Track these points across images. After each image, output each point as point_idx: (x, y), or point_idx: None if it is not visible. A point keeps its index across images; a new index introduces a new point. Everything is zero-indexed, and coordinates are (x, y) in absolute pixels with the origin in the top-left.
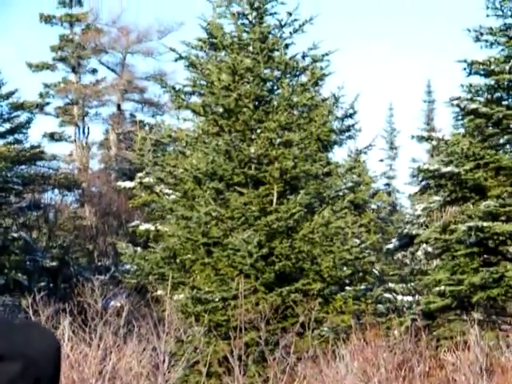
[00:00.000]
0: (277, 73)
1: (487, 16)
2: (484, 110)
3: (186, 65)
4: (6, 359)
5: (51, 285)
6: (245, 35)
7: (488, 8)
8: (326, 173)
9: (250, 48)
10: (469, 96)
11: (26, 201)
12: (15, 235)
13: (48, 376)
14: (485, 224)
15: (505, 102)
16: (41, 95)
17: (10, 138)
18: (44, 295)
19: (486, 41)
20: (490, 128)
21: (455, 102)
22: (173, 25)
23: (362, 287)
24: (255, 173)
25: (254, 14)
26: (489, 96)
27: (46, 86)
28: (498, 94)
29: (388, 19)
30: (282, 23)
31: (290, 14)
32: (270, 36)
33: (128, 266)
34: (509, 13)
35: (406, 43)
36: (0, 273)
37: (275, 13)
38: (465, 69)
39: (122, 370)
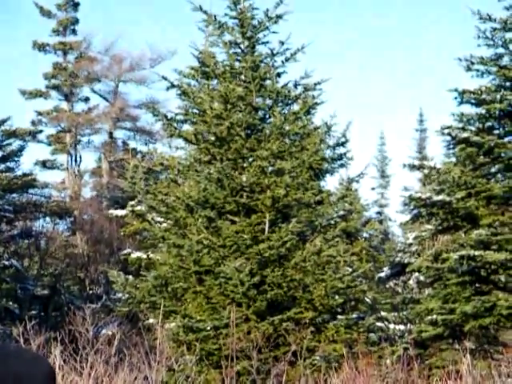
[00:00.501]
0: (269, 101)
1: (478, 45)
2: (475, 139)
3: (179, 93)
4: (6, 381)
5: (42, 313)
6: (237, 64)
7: (479, 37)
8: (318, 201)
9: (242, 77)
10: (460, 125)
11: (17, 229)
12: (6, 263)
13: None
14: (476, 253)
15: (496, 131)
16: (33, 123)
17: (2, 166)
18: (35, 324)
19: (478, 70)
20: (482, 157)
21: (446, 131)
22: (165, 53)
23: (354, 316)
24: (247, 201)
25: (246, 42)
26: (480, 125)
27: (39, 113)
28: (489, 123)
29: (380, 48)
30: (274, 52)
31: (282, 43)
32: (262, 65)
33: (119, 295)
34: (499, 42)
35: (398, 72)
36: None
37: (267, 42)
38: (456, 98)
39: None
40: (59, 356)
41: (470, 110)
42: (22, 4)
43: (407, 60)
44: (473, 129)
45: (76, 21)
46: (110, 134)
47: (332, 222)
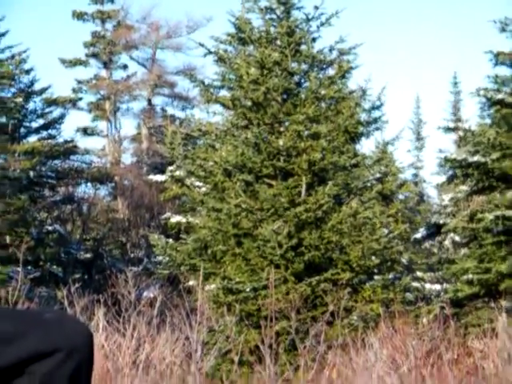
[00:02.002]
0: (304, 66)
1: None
2: (510, 100)
3: (215, 59)
4: (50, 352)
5: (85, 276)
6: (272, 29)
7: None
8: (354, 164)
9: (278, 42)
10: (495, 87)
11: (59, 194)
12: (50, 228)
13: (85, 365)
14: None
15: None
16: (74, 91)
17: (44, 134)
18: (78, 287)
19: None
20: None
21: (482, 93)
22: (202, 20)
23: (391, 276)
24: (284, 165)
25: (282, 8)
26: None
27: (79, 81)
28: None
29: (413, 10)
30: (309, 17)
31: (317, 8)
32: (298, 30)
33: (160, 258)
34: None
35: (433, 35)
36: (36, 265)
37: (302, 7)
38: (491, 59)
39: (156, 359)
40: (103, 318)
41: (504, 71)
42: None
43: (442, 22)
44: (508, 90)
45: None
46: (149, 101)
47: (368, 184)
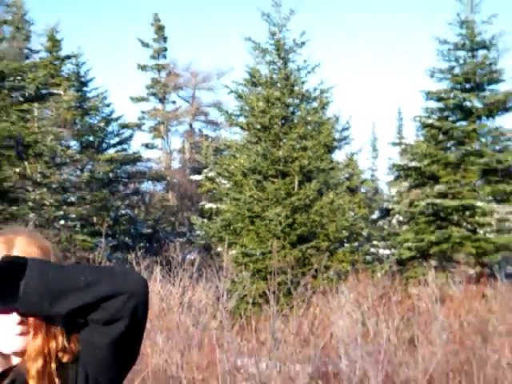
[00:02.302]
0: (296, 101)
1: (438, 60)
2: (436, 123)
3: (236, 96)
4: (117, 294)
5: (147, 245)
6: (274, 76)
7: (439, 54)
8: (330, 168)
9: (278, 84)
10: (426, 114)
11: (129, 189)
12: (123, 212)
13: (142, 304)
14: (438, 201)
15: (451, 119)
16: (139, 118)
17: (119, 147)
18: (142, 252)
19: (438, 77)
20: (441, 136)
21: (417, 119)
22: (226, 69)
23: (355, 244)
24: (282, 168)
25: (281, 61)
26: (440, 114)
27: (142, 112)
28: (445, 113)
29: (375, 54)
30: (300, 67)
31: (305, 61)
32: (292, 76)
33: (198, 232)
34: (452, 58)
35: (387, 79)
36: (113, 237)
37: (295, 60)
38: (424, 96)
39: (195, 301)
40: (159, 273)
41: (433, 104)
42: (128, 39)
43: (391, 67)
44: (435, 117)
45: (165, 49)
46: (190, 125)
47: (340, 181)
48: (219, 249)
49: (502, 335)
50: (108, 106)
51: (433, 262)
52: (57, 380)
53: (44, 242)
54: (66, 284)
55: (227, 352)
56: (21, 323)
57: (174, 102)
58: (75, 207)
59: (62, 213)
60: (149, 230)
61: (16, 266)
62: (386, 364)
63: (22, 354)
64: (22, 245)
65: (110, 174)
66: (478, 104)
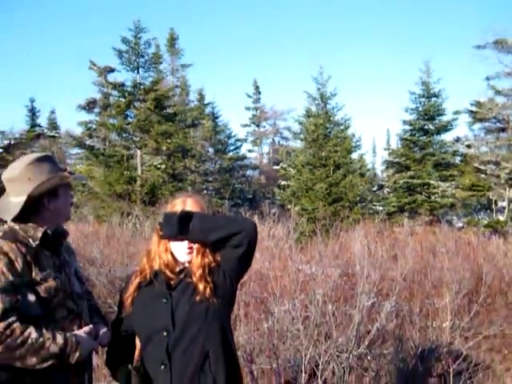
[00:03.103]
0: (331, 125)
1: (410, 101)
2: (409, 138)
3: (298, 123)
4: (240, 231)
5: (250, 204)
6: (319, 111)
7: (410, 99)
8: (350, 162)
9: (321, 116)
10: (403, 132)
11: (240, 174)
12: (236, 186)
13: (253, 237)
14: (409, 180)
15: (417, 135)
16: (245, 135)
17: (235, 151)
18: (247, 208)
19: (410, 112)
20: (412, 144)
21: (398, 135)
22: (292, 108)
23: (364, 204)
24: (324, 162)
25: (323, 104)
26: (410, 132)
27: (248, 132)
28: (414, 132)
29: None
30: (333, 107)
31: (336, 104)
32: (329, 112)
33: (277, 197)
34: (418, 102)
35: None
36: (231, 200)
37: (330, 104)
38: (401, 122)
39: (276, 234)
40: (257, 219)
41: (407, 126)
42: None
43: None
44: (408, 134)
45: (259, 98)
46: (273, 139)
47: (355, 169)
48: (289, 206)
49: (444, 253)
50: (229, 129)
51: (406, 214)
52: (209, 278)
53: (202, 202)
54: (213, 225)
55: (294, 261)
56: (189, 247)
57: (264, 126)
58: (212, 183)
59: (204, 186)
60: (250, 196)
61: (188, 215)
62: (380, 269)
63: (189, 262)
64: (190, 203)
65: (230, 166)
66: (431, 127)
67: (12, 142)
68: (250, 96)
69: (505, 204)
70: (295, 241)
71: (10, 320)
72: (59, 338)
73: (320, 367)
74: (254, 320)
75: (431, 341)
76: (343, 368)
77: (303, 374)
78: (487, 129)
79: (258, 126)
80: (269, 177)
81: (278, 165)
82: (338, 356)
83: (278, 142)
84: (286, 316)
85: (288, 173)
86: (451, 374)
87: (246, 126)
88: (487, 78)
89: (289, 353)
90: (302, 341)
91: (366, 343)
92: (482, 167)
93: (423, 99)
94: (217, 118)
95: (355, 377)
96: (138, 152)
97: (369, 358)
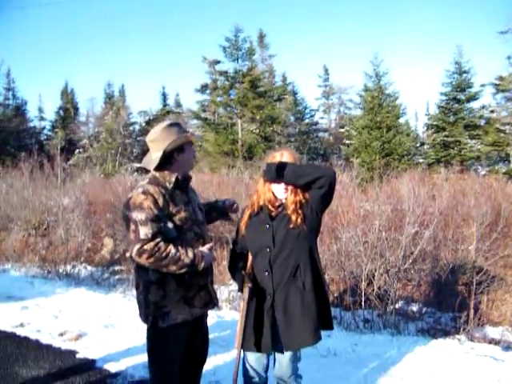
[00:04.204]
0: (384, 96)
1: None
2: (445, 106)
3: (359, 96)
4: (323, 176)
5: (322, 158)
6: (375, 87)
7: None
8: (399, 125)
9: (375, 91)
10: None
11: (314, 135)
12: (311, 145)
13: (334, 180)
14: (444, 138)
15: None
16: (318, 106)
17: (311, 118)
18: (321, 161)
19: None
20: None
21: (437, 105)
22: (349, 86)
23: (409, 157)
24: (378, 125)
25: (377, 81)
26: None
27: (320, 104)
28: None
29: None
30: (385, 92)
31: (385, 83)
32: (381, 96)
33: (343, 152)
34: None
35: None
36: (308, 154)
37: (385, 87)
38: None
39: (342, 180)
40: None
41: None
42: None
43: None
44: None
45: (328, 77)
46: (339, 109)
47: (403, 131)
48: (351, 159)
49: (471, 194)
50: (305, 102)
51: (442, 165)
52: (299, 211)
53: (294, 154)
54: (302, 172)
55: (356, 200)
56: (285, 188)
57: (331, 99)
58: (293, 143)
59: (287, 145)
60: (322, 152)
61: (283, 165)
62: (422, 205)
63: (285, 199)
64: (286, 155)
65: (307, 130)
66: (462, 97)
67: (151, 118)
68: (320, 76)
69: None
70: (357, 185)
71: (157, 240)
72: (190, 253)
73: (376, 277)
74: (326, 243)
75: (460, 259)
76: (393, 279)
77: (363, 282)
78: (507, 98)
79: (327, 98)
80: (336, 137)
81: (342, 128)
82: (388, 270)
83: (343, 111)
84: (350, 240)
85: (351, 134)
86: (474, 283)
87: (317, 99)
88: (508, 57)
89: (352, 267)
90: (362, 258)
91: (410, 261)
92: (502, 128)
93: (456, 75)
94: (296, 93)
95: (401, 285)
96: (239, 121)
97: (412, 272)
